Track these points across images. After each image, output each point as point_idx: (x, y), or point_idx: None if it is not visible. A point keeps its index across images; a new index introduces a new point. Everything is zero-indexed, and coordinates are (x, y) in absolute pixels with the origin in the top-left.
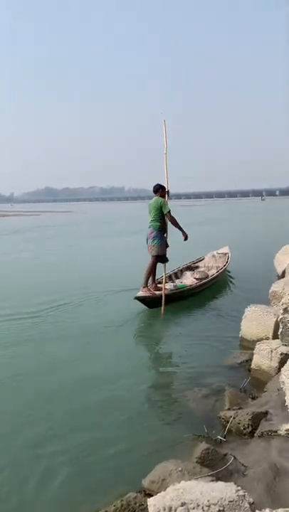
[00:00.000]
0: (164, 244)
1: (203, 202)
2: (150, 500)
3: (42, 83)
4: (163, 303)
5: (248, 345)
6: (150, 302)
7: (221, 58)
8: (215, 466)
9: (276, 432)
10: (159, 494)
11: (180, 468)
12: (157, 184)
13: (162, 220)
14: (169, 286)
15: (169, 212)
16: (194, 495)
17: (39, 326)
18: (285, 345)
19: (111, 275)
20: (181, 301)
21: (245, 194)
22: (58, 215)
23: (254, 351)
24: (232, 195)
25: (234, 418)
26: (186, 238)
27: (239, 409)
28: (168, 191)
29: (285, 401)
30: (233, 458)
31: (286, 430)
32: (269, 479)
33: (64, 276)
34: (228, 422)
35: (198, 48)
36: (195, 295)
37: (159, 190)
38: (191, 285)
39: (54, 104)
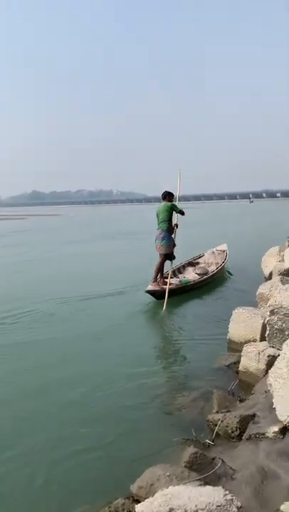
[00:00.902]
0: (171, 244)
1: (190, 204)
2: (138, 507)
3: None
4: (166, 300)
5: (236, 348)
6: (159, 295)
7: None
8: (203, 470)
9: (264, 434)
10: (147, 500)
11: (168, 473)
12: (165, 191)
13: (170, 222)
14: (175, 281)
15: (169, 214)
16: (182, 500)
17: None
18: (273, 347)
19: (100, 278)
20: (182, 300)
21: (232, 197)
22: (45, 219)
23: (242, 353)
24: (220, 197)
25: (222, 421)
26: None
27: (227, 412)
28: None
29: (272, 403)
30: (221, 461)
31: (274, 432)
32: (257, 483)
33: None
34: (216, 426)
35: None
36: (196, 289)
37: (167, 196)
38: (193, 280)
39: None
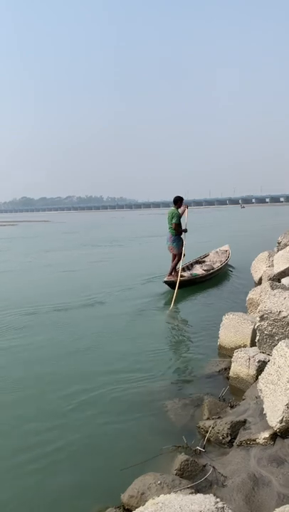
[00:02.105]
0: (180, 246)
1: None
2: None
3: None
4: (174, 299)
5: (226, 353)
6: (174, 285)
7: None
8: (194, 478)
9: (255, 440)
10: (137, 509)
11: (159, 482)
12: (177, 196)
13: (177, 227)
14: (187, 274)
15: (175, 223)
16: (173, 509)
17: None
18: (263, 352)
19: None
20: (187, 298)
21: (222, 202)
22: (35, 225)
23: (232, 359)
24: (210, 203)
25: (213, 428)
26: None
27: (218, 418)
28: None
29: (262, 409)
30: (212, 468)
31: (264, 439)
32: (248, 489)
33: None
34: (207, 432)
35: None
36: (203, 283)
37: (178, 201)
38: (201, 274)
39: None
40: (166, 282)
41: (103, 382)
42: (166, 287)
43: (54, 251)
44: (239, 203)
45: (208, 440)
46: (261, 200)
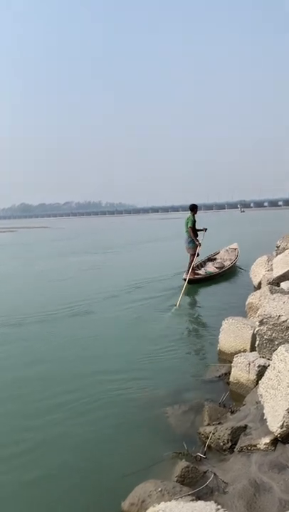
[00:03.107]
0: (196, 246)
1: (179, 214)
2: None
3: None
4: (180, 298)
5: (226, 358)
6: (191, 281)
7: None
8: (195, 485)
9: (255, 446)
10: None
11: (160, 489)
12: (192, 204)
13: (193, 230)
14: (202, 272)
15: (190, 226)
16: None
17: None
18: (263, 357)
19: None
20: (195, 295)
21: (220, 206)
22: (34, 231)
23: (232, 364)
24: (208, 207)
25: (214, 434)
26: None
27: (219, 424)
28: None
29: (263, 414)
30: (213, 475)
31: (265, 444)
32: (249, 496)
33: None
34: (207, 438)
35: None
36: (214, 280)
37: (194, 208)
38: (214, 272)
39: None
40: (184, 279)
41: (102, 388)
42: (165, 292)
43: (48, 258)
44: (238, 207)
45: (209, 446)
46: (259, 204)
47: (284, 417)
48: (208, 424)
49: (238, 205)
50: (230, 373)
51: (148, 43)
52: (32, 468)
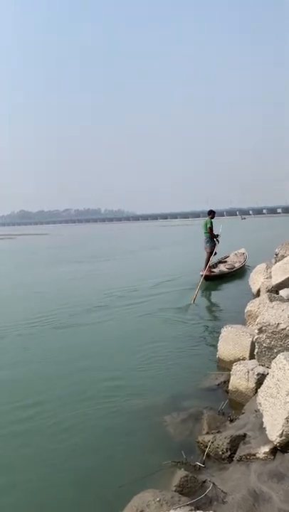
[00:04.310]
0: (213, 246)
1: (178, 222)
2: None
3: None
4: (196, 294)
5: (225, 366)
6: (207, 278)
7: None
8: (194, 494)
9: (254, 455)
10: None
11: (158, 499)
12: (210, 210)
13: (211, 231)
14: (217, 270)
15: (210, 227)
16: None
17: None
18: (262, 365)
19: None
20: (188, 310)
21: (220, 214)
22: (34, 238)
23: (231, 372)
24: (206, 215)
25: (212, 442)
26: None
27: (218, 432)
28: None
29: (262, 423)
30: (212, 485)
31: (264, 453)
32: (248, 506)
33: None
34: (206, 447)
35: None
36: (226, 278)
37: (211, 213)
38: (227, 271)
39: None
40: (201, 276)
41: (100, 396)
42: (164, 296)
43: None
44: (236, 215)
45: (208, 455)
46: (258, 212)
47: (283, 425)
48: (207, 433)
49: (237, 213)
50: (229, 381)
51: (148, 43)
52: (27, 479)
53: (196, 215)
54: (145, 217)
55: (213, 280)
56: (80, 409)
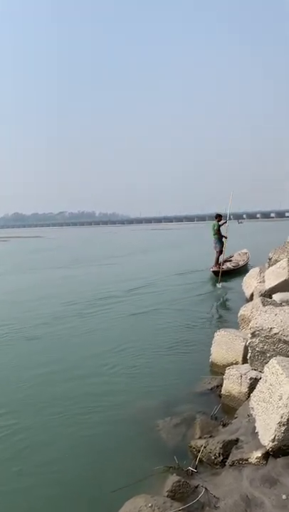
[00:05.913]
0: (222, 245)
1: (175, 225)
2: None
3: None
4: (219, 278)
5: (218, 370)
6: (217, 273)
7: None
8: (186, 500)
9: (247, 460)
10: None
11: (150, 504)
12: (217, 213)
13: (218, 233)
14: (225, 267)
15: (216, 228)
16: None
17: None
18: (255, 369)
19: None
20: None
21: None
22: (27, 241)
23: (224, 376)
24: (201, 218)
25: (205, 447)
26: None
27: (210, 437)
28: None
29: (255, 427)
30: (204, 490)
31: (256, 458)
32: (241, 511)
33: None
34: (199, 452)
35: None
36: (231, 274)
37: (218, 217)
38: (233, 267)
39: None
40: (212, 271)
41: (91, 400)
42: (163, 303)
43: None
44: (230, 219)
45: (200, 460)
46: (252, 216)
47: (275, 430)
48: (200, 438)
49: (231, 217)
50: (222, 385)
51: (147, 42)
52: (17, 487)
53: (190, 219)
54: (139, 221)
55: (223, 276)
56: (71, 415)
